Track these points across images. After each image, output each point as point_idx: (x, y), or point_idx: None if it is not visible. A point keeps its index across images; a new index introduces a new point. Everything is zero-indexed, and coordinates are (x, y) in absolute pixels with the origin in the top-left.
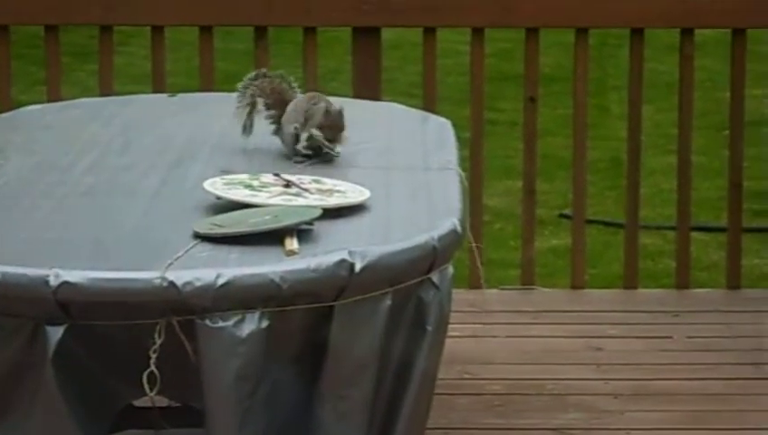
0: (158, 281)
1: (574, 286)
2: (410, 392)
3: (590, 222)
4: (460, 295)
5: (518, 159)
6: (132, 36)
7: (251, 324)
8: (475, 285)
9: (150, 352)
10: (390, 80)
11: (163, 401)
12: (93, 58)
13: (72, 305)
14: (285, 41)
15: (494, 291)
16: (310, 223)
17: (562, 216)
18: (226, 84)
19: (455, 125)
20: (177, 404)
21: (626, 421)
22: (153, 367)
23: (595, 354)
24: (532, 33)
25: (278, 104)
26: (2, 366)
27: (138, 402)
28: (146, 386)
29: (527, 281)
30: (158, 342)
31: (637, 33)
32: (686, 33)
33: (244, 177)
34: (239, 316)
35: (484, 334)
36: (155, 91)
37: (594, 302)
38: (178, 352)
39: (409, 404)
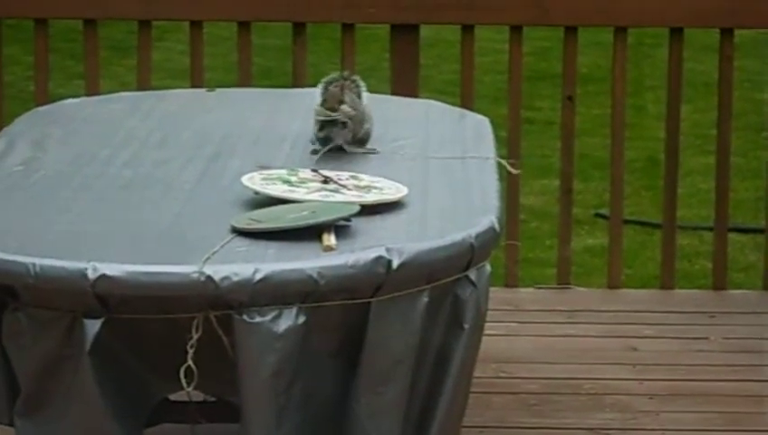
0: (195, 275)
1: (610, 286)
2: (446, 390)
3: (627, 222)
4: (495, 294)
5: (554, 158)
6: (169, 31)
7: (288, 320)
8: (510, 283)
9: (188, 347)
10: (426, 78)
11: (199, 396)
12: (131, 53)
13: (109, 299)
14: (323, 36)
15: (530, 290)
16: (347, 219)
17: (598, 215)
18: (263, 80)
19: (492, 123)
20: (213, 399)
21: (661, 422)
22: (190, 361)
23: (631, 354)
24: (570, 31)
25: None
26: (39, 359)
27: (173, 397)
28: (183, 380)
29: (563, 280)
30: (196, 336)
31: (676, 33)
32: (726, 33)
33: (282, 172)
34: (276, 312)
35: (520, 333)
36: (193, 86)
37: (630, 302)
38: (215, 347)
39: (445, 401)
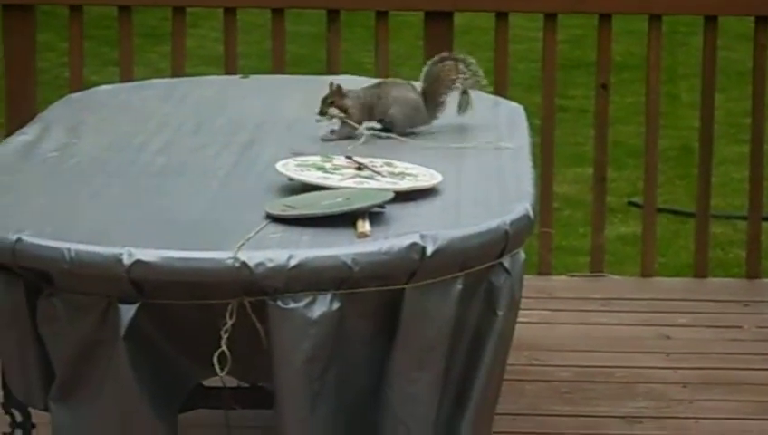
0: (230, 261)
1: (644, 274)
2: (480, 376)
3: (661, 210)
4: (529, 281)
5: (587, 147)
6: (203, 18)
7: (322, 306)
8: (544, 271)
9: (221, 332)
10: None
11: (233, 382)
12: (164, 40)
13: (144, 284)
14: (356, 24)
15: (563, 278)
16: (382, 206)
17: (631, 203)
18: (297, 67)
19: (525, 111)
20: (247, 385)
21: (694, 410)
22: (224, 347)
23: (664, 343)
24: (605, 19)
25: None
26: (74, 344)
27: (207, 382)
28: (216, 366)
29: (596, 268)
30: (230, 322)
31: (710, 21)
32: (761, 21)
33: (316, 159)
34: (310, 298)
35: (554, 321)
36: (227, 73)
37: (664, 290)
38: (249, 333)
39: (479, 388)
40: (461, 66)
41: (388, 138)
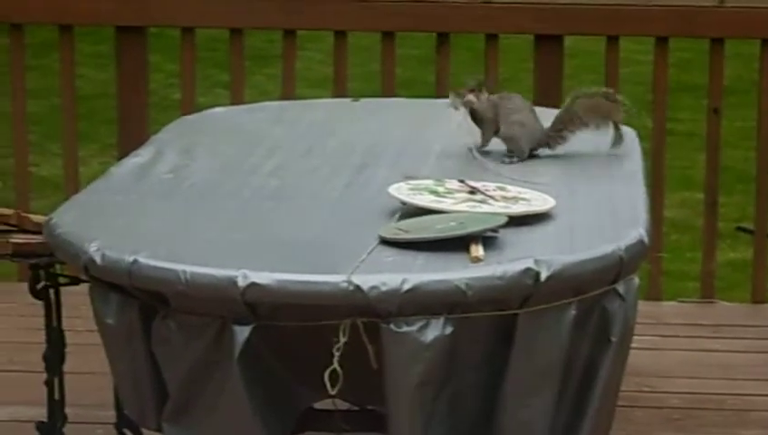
0: (344, 284)
1: (754, 301)
2: (593, 403)
3: None
4: (638, 307)
5: (694, 170)
6: (309, 41)
7: (435, 330)
8: (653, 296)
9: (334, 350)
10: (566, 88)
11: (343, 405)
12: (271, 62)
13: (259, 306)
14: (460, 47)
15: (673, 303)
16: (495, 230)
17: (740, 229)
18: (404, 89)
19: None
20: (357, 408)
21: None
22: (336, 365)
23: None
24: (716, 43)
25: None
26: (188, 365)
27: (318, 405)
28: (328, 384)
29: (707, 294)
30: (343, 340)
31: None
32: None
33: (429, 182)
34: (424, 322)
35: (664, 347)
36: (336, 95)
37: None
38: (361, 355)
39: (592, 415)
40: (619, 104)
41: (510, 162)
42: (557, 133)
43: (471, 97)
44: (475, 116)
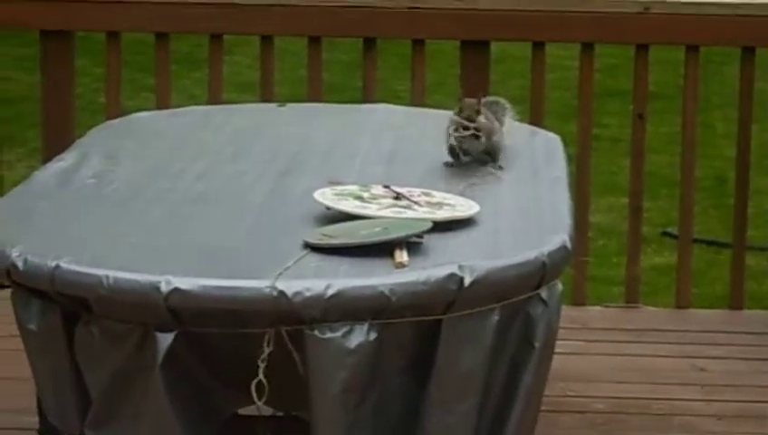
0: (268, 290)
1: (678, 306)
2: (516, 408)
3: (696, 241)
4: (563, 311)
5: (621, 176)
6: (236, 45)
7: (359, 336)
8: (578, 301)
9: (259, 362)
10: (493, 94)
11: (268, 411)
12: (198, 66)
13: (182, 312)
14: (389, 53)
15: (598, 308)
16: (419, 236)
17: (665, 234)
18: (331, 95)
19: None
20: (283, 414)
21: None
22: (262, 376)
23: (699, 375)
24: (641, 49)
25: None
26: (111, 370)
27: (243, 411)
28: (254, 395)
29: (631, 299)
30: (267, 351)
31: (747, 52)
32: None
33: (354, 188)
34: (348, 327)
35: (588, 352)
36: (263, 100)
37: (699, 322)
38: (285, 362)
39: (515, 420)
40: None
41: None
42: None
43: (482, 120)
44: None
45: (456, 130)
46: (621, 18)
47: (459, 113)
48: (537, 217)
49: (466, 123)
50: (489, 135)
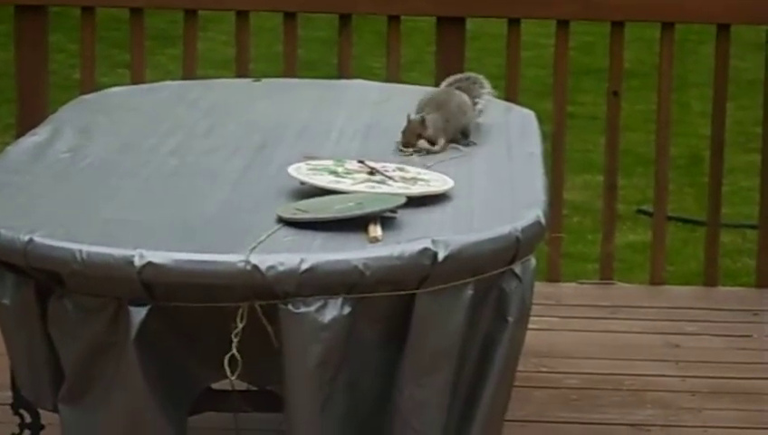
0: (241, 264)
1: (653, 282)
2: (489, 383)
3: (670, 218)
4: (537, 288)
5: (596, 154)
6: (212, 21)
7: (333, 310)
8: (553, 277)
9: (232, 336)
10: (469, 71)
11: (242, 385)
12: (173, 42)
13: (155, 286)
14: (366, 30)
15: (572, 285)
16: (393, 211)
17: (640, 211)
18: (307, 71)
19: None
20: (256, 388)
21: (703, 419)
22: (235, 351)
23: (673, 351)
24: (617, 26)
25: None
26: (84, 345)
27: (217, 385)
28: (227, 370)
29: (606, 276)
30: (240, 326)
31: (723, 30)
32: None
33: (328, 163)
34: (322, 302)
35: (562, 328)
36: (238, 76)
37: (673, 298)
38: (259, 336)
39: (488, 395)
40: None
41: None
42: None
43: (423, 142)
44: (440, 144)
45: (399, 149)
46: None
47: (403, 132)
48: (511, 193)
49: (403, 149)
50: (439, 140)
